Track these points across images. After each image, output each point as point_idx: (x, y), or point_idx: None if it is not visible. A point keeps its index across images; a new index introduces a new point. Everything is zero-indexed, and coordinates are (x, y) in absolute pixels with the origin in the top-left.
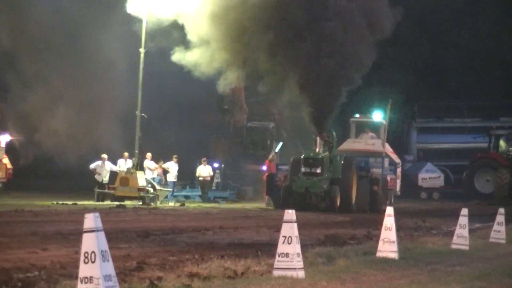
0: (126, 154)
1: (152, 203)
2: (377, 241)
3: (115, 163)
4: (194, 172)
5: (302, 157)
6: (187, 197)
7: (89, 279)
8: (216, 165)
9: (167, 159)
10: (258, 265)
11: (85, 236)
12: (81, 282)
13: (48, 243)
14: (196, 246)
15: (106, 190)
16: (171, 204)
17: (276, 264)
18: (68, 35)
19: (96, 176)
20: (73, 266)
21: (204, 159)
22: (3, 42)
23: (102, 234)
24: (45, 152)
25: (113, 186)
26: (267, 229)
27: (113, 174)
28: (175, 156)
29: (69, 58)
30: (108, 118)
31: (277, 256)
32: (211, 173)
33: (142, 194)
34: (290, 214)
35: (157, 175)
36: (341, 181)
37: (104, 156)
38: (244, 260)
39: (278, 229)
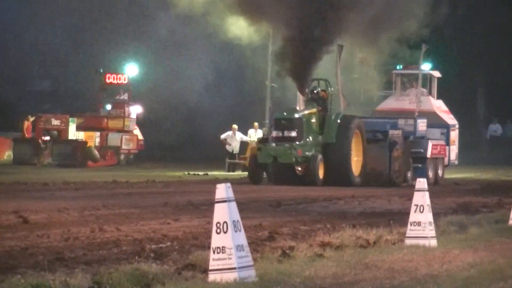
0: (256, 124)
1: None
2: (509, 209)
3: (245, 133)
4: None
5: (274, 117)
6: None
7: (221, 249)
8: None
9: None
10: (390, 234)
11: (217, 207)
12: (214, 252)
13: (180, 213)
14: (327, 215)
15: (237, 161)
16: None
17: (408, 233)
18: None
19: (227, 147)
20: (205, 236)
21: None
22: None
23: (233, 204)
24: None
25: (244, 156)
26: (399, 198)
27: (244, 144)
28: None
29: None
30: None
31: (409, 225)
32: None
33: None
34: (421, 183)
35: None
36: (336, 146)
37: (235, 126)
38: (376, 229)
39: (410, 198)
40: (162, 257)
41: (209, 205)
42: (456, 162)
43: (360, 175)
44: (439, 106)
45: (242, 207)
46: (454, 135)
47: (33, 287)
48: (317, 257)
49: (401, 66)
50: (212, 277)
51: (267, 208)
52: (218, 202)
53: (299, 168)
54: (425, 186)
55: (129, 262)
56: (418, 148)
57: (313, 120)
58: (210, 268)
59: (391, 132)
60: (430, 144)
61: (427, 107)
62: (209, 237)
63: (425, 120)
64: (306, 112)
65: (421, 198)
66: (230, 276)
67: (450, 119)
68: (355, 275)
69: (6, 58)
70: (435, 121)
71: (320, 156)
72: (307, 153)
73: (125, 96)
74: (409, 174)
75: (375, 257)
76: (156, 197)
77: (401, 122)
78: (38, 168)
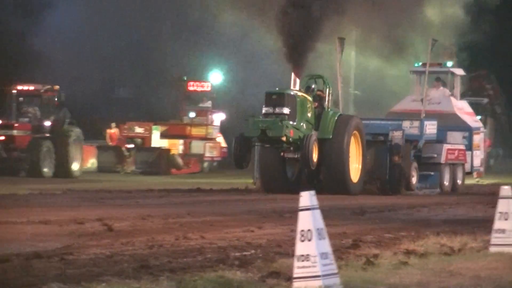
0: None
1: None
2: None
3: None
4: None
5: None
6: None
7: (306, 257)
8: None
9: None
10: (474, 242)
11: (301, 214)
12: (298, 260)
13: (264, 221)
14: (412, 223)
15: None
16: None
17: (493, 240)
18: None
19: None
20: (289, 244)
21: None
22: None
23: (318, 212)
24: None
25: None
26: (483, 206)
27: None
28: None
29: None
30: None
31: (493, 232)
32: None
33: None
34: (506, 190)
35: None
36: (331, 144)
37: None
38: (460, 237)
39: (494, 205)
40: (246, 264)
41: (293, 212)
42: (482, 169)
43: (359, 182)
44: (461, 108)
45: (326, 214)
46: (479, 139)
47: None
48: (401, 264)
49: (419, 63)
50: (296, 285)
51: (351, 215)
52: (302, 210)
53: (291, 148)
54: (510, 193)
55: (214, 269)
56: (430, 153)
57: (309, 107)
58: (294, 276)
59: (391, 134)
60: (444, 148)
61: (447, 109)
62: (293, 244)
63: (434, 122)
64: (300, 93)
65: (506, 205)
66: (315, 284)
67: (474, 121)
68: (440, 283)
69: (90, 66)
70: (456, 123)
71: (314, 137)
72: (300, 136)
73: (208, 104)
74: (414, 181)
75: (460, 265)
76: (240, 205)
77: (405, 124)
78: (122, 176)
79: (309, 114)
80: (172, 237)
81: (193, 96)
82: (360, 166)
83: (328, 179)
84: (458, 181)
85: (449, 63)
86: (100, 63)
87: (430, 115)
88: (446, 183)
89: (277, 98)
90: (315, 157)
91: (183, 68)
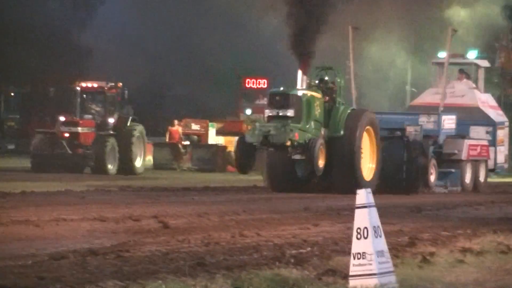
0: None
1: None
2: None
3: None
4: None
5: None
6: None
7: (362, 255)
8: None
9: None
10: None
11: (358, 212)
12: (354, 258)
13: (320, 218)
14: (468, 221)
15: None
16: None
17: None
18: None
19: None
20: (345, 242)
21: None
22: None
23: (374, 210)
24: None
25: None
26: None
27: None
28: None
29: None
30: None
31: None
32: None
33: None
34: None
35: None
36: (342, 141)
37: None
38: None
39: None
40: (302, 262)
41: (350, 210)
42: (506, 166)
43: (373, 180)
44: (485, 101)
45: (383, 212)
46: (503, 134)
47: None
48: (457, 262)
49: (443, 54)
50: (352, 283)
51: (408, 213)
52: (358, 207)
53: (298, 156)
54: None
55: (270, 267)
56: (451, 149)
57: (316, 106)
58: (351, 273)
59: (408, 129)
60: (466, 143)
61: (470, 102)
62: (349, 242)
63: (453, 117)
64: (307, 92)
65: None
66: (371, 282)
67: (499, 115)
68: (496, 281)
69: (146, 65)
70: (479, 117)
71: (321, 140)
72: (306, 139)
73: (264, 101)
74: (432, 179)
75: None
76: (296, 202)
77: (422, 118)
78: (178, 173)
79: (317, 113)
80: (228, 235)
81: (250, 93)
82: (374, 164)
83: (339, 178)
84: (480, 178)
85: (472, 54)
86: (153, 61)
87: (452, 109)
88: (467, 181)
89: (281, 99)
90: (321, 163)
91: (240, 65)
